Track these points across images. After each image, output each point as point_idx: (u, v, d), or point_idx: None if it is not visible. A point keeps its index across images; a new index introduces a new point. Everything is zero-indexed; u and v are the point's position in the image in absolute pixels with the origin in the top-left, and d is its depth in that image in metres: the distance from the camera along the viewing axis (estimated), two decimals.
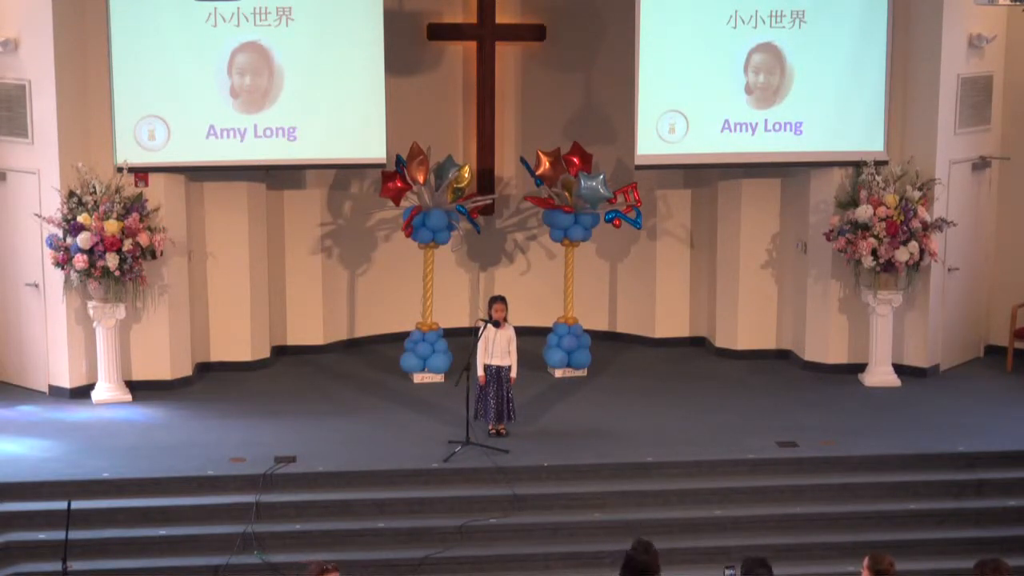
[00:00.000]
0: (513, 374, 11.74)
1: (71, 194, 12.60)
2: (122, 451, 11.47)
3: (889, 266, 13.13)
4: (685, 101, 13.31)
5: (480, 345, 11.65)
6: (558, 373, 13.82)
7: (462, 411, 11.62)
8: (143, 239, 12.56)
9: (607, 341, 14.73)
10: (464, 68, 14.83)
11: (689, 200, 14.76)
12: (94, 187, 12.59)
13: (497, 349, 11.72)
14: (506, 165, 14.84)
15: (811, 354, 13.97)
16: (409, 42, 14.23)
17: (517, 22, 14.63)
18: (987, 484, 11.27)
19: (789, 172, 14.00)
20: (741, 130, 13.44)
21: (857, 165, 13.48)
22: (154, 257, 12.74)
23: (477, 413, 11.70)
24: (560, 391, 13.33)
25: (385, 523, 10.70)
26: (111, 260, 12.44)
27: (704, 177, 14.51)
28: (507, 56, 14.71)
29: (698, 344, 14.82)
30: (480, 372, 11.66)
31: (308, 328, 14.42)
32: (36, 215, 12.73)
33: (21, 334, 13.23)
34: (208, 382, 13.54)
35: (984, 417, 12.43)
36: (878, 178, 13.26)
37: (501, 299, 11.89)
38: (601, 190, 13.36)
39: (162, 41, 12.71)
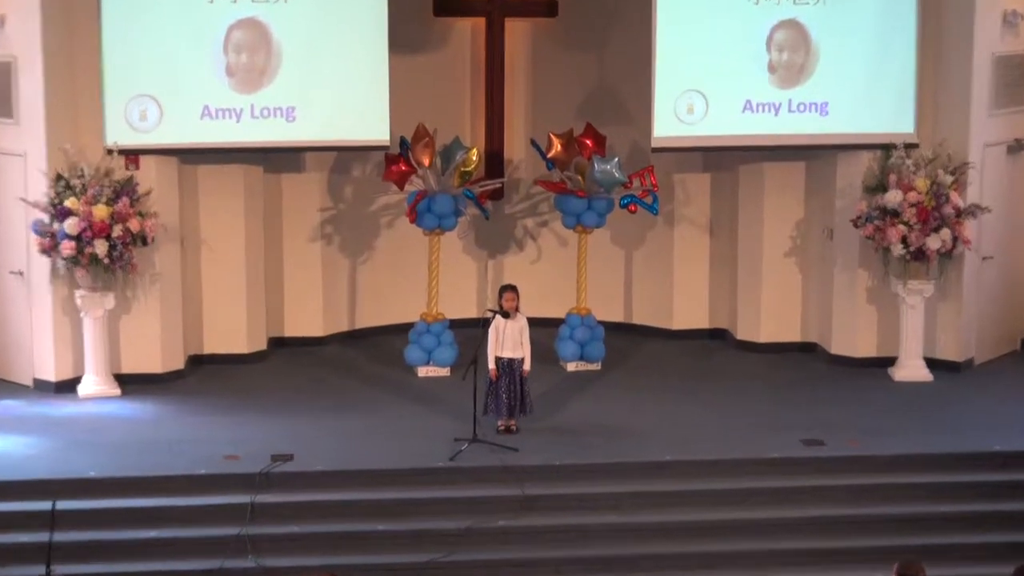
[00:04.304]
0: (527, 366, 11.72)
1: (58, 177, 12.56)
2: (110, 448, 11.46)
3: (920, 254, 13.09)
4: (704, 80, 13.31)
5: (490, 337, 11.63)
6: (570, 367, 13.80)
7: (469, 406, 11.61)
8: (134, 225, 12.52)
9: (622, 333, 14.74)
10: (472, 45, 14.80)
11: (708, 185, 14.75)
12: (82, 170, 12.55)
13: (508, 341, 11.69)
14: (516, 147, 14.85)
15: (838, 347, 13.96)
16: (414, 18, 14.21)
17: None
18: None
19: (814, 155, 13.99)
20: (763, 111, 13.47)
21: (886, 148, 13.43)
22: (145, 244, 12.70)
23: (487, 408, 11.72)
24: (572, 386, 13.34)
25: (387, 525, 10.70)
26: (100, 247, 12.38)
27: (724, 160, 14.47)
28: (517, 32, 14.71)
29: (718, 336, 14.82)
30: (491, 366, 11.63)
31: (307, 319, 14.45)
32: (21, 199, 12.70)
33: (5, 325, 13.21)
34: (201, 376, 13.55)
35: (1021, 414, 12.37)
36: (908, 161, 13.23)
37: (511, 288, 11.88)
38: (616, 174, 13.34)
39: (155, 16, 12.68)
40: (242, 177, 13.68)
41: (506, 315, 11.69)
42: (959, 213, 13.10)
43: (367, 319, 14.84)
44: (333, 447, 11.56)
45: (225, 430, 11.96)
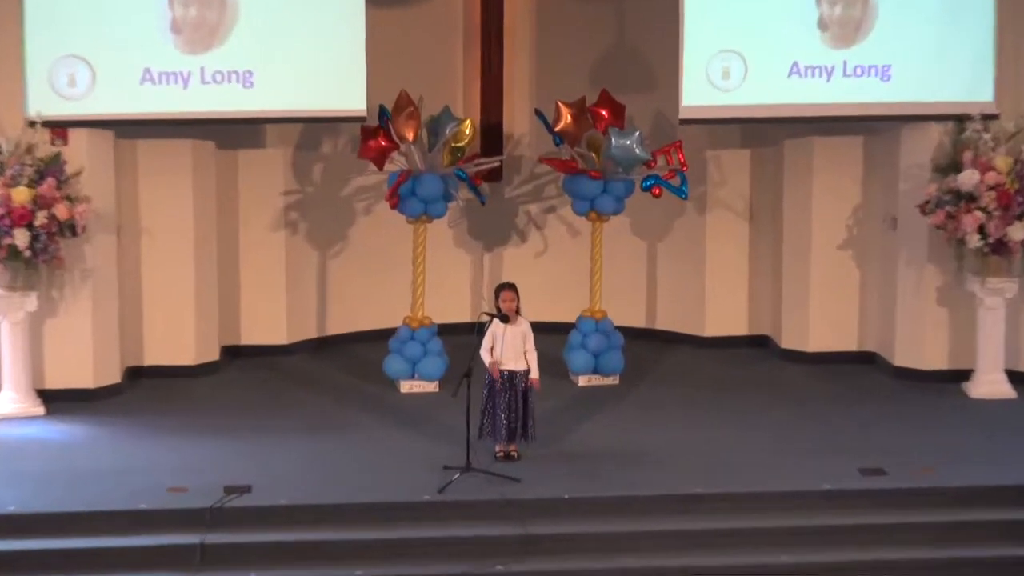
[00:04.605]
0: (534, 375, 11.60)
1: None
2: (32, 479, 11.35)
3: (1000, 246, 13.16)
4: (743, 39, 13.43)
5: (485, 343, 11.58)
6: (583, 381, 13.87)
7: (461, 428, 11.46)
8: (60, 211, 12.53)
9: (644, 341, 14.91)
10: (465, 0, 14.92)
11: (748, 163, 14.91)
12: None
13: (509, 350, 11.58)
14: (517, 119, 15.16)
15: (902, 358, 14.06)
16: None
17: None
18: None
19: (874, 128, 14.08)
20: (813, 75, 13.55)
21: (960, 120, 13.52)
22: (74, 234, 12.72)
23: (482, 430, 11.65)
24: (585, 403, 13.32)
25: (365, 570, 10.47)
26: (20, 237, 12.39)
27: (767, 134, 14.65)
28: None
29: (759, 344, 14.99)
30: (490, 359, 11.49)
31: (268, 324, 14.58)
32: None
33: None
34: (141, 391, 13.57)
35: None
36: (986, 136, 13.29)
37: (510, 286, 11.75)
38: (636, 150, 13.37)
39: None
40: (190, 154, 13.76)
41: (505, 319, 11.59)
42: None
43: (340, 324, 14.99)
44: (299, 477, 11.45)
45: (170, 456, 11.90)
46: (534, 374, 11.64)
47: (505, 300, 11.63)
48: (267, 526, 10.75)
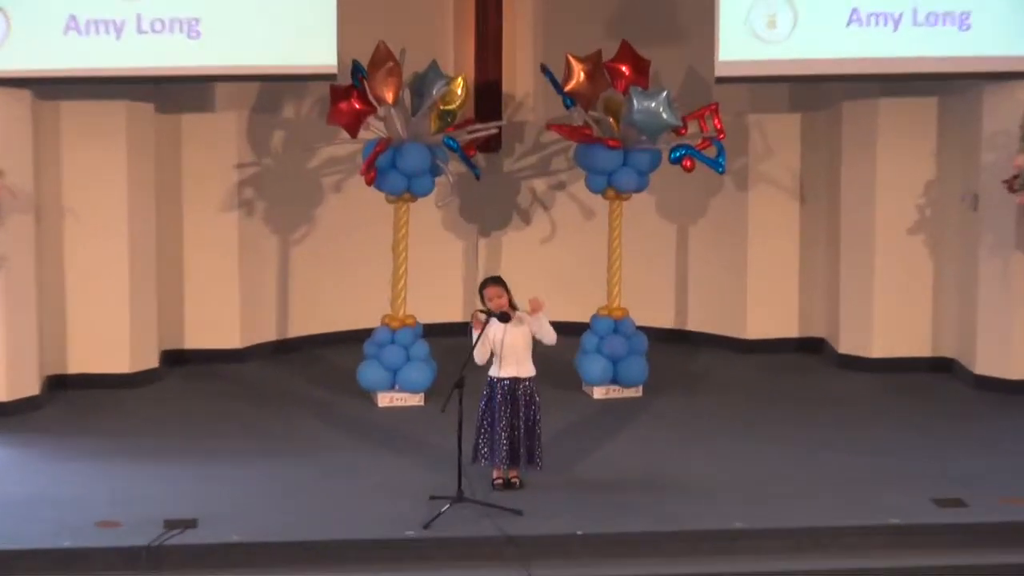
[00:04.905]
0: (543, 326, 11.44)
1: None
2: None
3: None
4: None
5: (479, 347, 11.48)
6: (598, 393, 13.88)
7: (451, 449, 11.34)
8: None
9: (673, 345, 14.89)
10: None
11: (798, 130, 14.88)
12: None
13: (510, 354, 11.51)
14: (519, 77, 15.06)
15: (985, 365, 14.07)
16: None
17: None
18: None
19: (950, 88, 14.07)
20: (877, 23, 13.56)
21: None
22: None
23: (477, 453, 11.62)
24: (601, 420, 13.34)
25: None
26: None
27: (821, 95, 14.61)
28: None
29: (812, 349, 14.98)
30: (478, 318, 11.40)
31: (217, 325, 14.54)
32: None
33: None
34: (65, 405, 13.56)
35: None
36: None
37: (495, 281, 11.70)
38: (664, 114, 13.29)
39: None
40: (124, 119, 13.71)
41: (506, 318, 11.49)
42: None
43: (304, 325, 14.98)
44: (255, 509, 11.36)
45: (99, 484, 11.81)
46: (548, 336, 11.49)
47: (491, 298, 11.56)
48: (215, 568, 10.64)
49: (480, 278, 14.36)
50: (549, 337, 11.52)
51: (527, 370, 11.57)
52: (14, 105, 13.14)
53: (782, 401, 13.88)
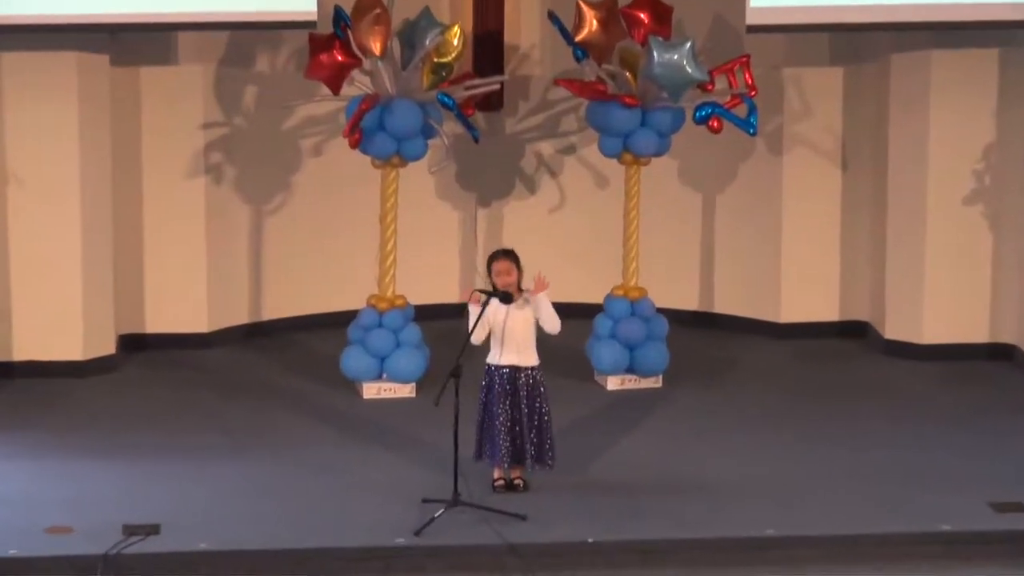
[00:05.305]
0: (546, 310, 11.26)
1: None
2: None
3: None
4: None
5: (477, 331, 11.39)
6: (613, 383, 13.76)
7: (446, 447, 11.23)
8: None
9: (697, 329, 15.01)
10: None
11: (840, 86, 14.83)
12: None
13: (510, 340, 11.35)
14: (524, 26, 15.05)
15: None
16: None
17: None
18: None
19: (1013, 39, 14.01)
20: None
21: None
22: None
23: (481, 450, 11.55)
24: (615, 414, 13.28)
25: None
26: None
27: (865, 46, 14.61)
28: None
29: (855, 334, 14.97)
30: (473, 294, 11.41)
31: (181, 306, 14.55)
32: None
33: None
34: (10, 396, 13.52)
35: None
36: None
37: (507, 254, 11.56)
38: (688, 68, 13.06)
39: None
40: (75, 72, 13.60)
41: (508, 299, 11.28)
42: None
43: (280, 306, 15.02)
44: (225, 513, 11.25)
45: (50, 485, 11.70)
46: (550, 324, 11.35)
47: (500, 273, 11.43)
48: None
49: (479, 253, 14.72)
50: (551, 324, 11.42)
51: (529, 358, 11.48)
52: None
53: (820, 393, 13.80)
